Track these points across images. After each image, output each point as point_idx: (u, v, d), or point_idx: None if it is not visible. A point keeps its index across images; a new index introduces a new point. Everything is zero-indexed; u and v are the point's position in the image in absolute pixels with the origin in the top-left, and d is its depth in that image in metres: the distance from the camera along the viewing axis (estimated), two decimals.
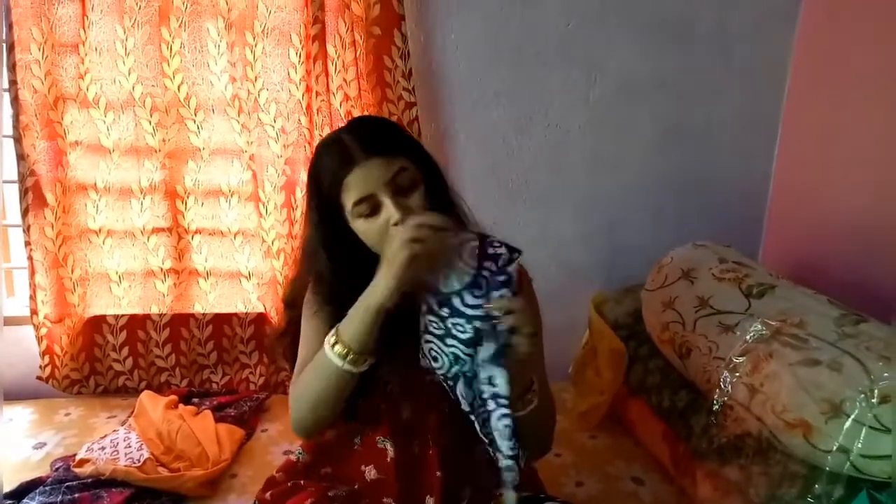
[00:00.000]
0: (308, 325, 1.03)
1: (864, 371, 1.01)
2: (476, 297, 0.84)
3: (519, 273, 0.87)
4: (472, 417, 0.91)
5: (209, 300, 1.88)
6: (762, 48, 1.84)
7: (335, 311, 0.97)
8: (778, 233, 1.93)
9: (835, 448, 0.97)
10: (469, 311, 0.84)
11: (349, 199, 0.93)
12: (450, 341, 0.87)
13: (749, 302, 1.33)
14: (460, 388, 0.90)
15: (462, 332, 0.85)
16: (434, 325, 0.88)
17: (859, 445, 0.95)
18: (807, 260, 1.73)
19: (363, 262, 0.96)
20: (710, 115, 1.88)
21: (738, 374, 1.17)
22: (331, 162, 0.95)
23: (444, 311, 0.86)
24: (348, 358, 0.89)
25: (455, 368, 0.88)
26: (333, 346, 0.90)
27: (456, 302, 0.85)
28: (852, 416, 0.97)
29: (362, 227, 0.95)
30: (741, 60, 1.85)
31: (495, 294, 0.84)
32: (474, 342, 0.85)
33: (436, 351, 0.88)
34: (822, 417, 1.00)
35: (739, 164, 1.93)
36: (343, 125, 1.07)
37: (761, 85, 1.87)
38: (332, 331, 0.91)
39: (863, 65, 1.55)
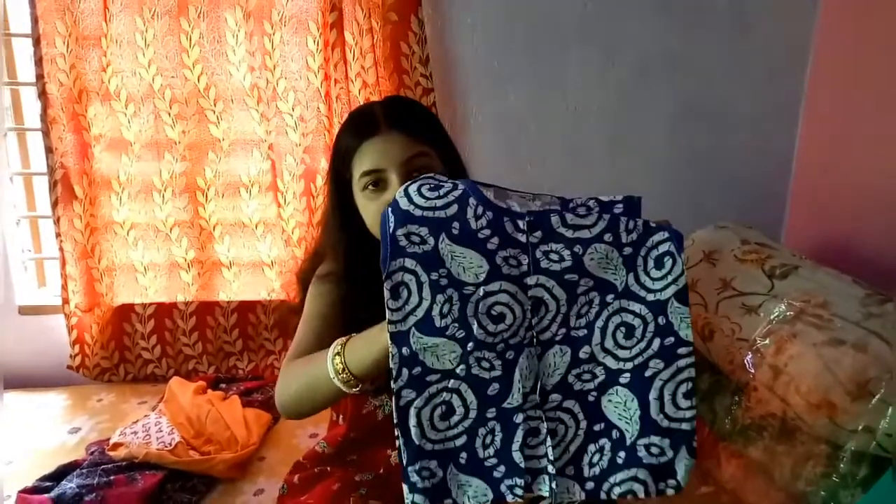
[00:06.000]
0: (311, 306, 0.96)
1: (890, 350, 1.01)
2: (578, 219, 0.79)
3: None
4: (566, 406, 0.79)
5: (233, 289, 1.90)
6: (783, 26, 1.80)
7: (343, 293, 0.94)
8: (801, 213, 1.90)
9: (860, 428, 0.97)
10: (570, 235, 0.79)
11: (359, 167, 0.90)
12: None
13: (772, 283, 1.32)
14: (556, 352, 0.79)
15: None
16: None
17: (885, 425, 0.95)
18: (831, 240, 1.71)
19: (372, 241, 0.91)
20: (731, 95, 1.85)
21: (761, 356, 1.17)
22: (354, 126, 0.94)
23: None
24: (342, 376, 0.79)
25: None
26: (334, 357, 0.80)
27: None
28: (878, 396, 0.96)
29: (362, 201, 0.91)
30: (762, 39, 1.81)
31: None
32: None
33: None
34: (848, 397, 1.00)
35: (761, 144, 1.90)
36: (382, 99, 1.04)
37: (783, 63, 1.83)
38: (342, 340, 0.81)
39: (887, 42, 1.52)
